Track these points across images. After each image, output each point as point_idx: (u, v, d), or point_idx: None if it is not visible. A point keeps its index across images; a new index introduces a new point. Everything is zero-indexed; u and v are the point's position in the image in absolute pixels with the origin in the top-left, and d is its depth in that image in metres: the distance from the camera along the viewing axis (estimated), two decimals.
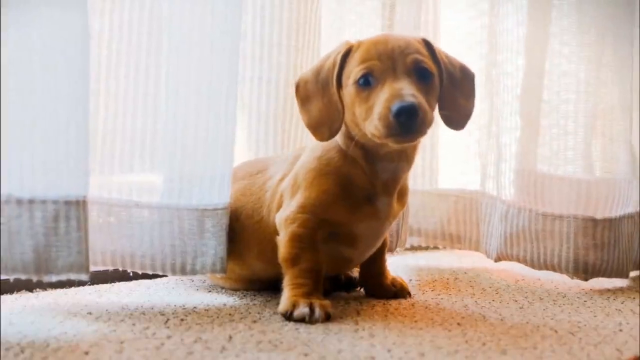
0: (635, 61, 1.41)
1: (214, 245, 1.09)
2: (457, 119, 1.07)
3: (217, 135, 1.09)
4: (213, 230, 1.09)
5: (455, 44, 1.55)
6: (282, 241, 1.04)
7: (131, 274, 1.20)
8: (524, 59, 1.39)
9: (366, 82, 0.99)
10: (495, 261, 1.42)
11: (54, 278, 0.94)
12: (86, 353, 0.81)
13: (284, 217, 1.05)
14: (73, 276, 0.95)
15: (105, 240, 1.08)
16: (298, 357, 0.81)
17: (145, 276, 1.22)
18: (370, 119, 0.97)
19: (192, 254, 1.09)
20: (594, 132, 1.39)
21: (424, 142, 1.51)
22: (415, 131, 0.95)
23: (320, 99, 1.04)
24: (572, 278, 1.34)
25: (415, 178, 1.54)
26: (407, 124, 0.93)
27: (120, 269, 1.10)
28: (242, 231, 1.13)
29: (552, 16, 1.38)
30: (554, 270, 1.35)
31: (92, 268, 1.13)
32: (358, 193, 1.05)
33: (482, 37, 1.52)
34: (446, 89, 1.04)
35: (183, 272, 1.09)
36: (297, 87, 1.07)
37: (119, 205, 1.08)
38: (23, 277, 0.93)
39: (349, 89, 1.01)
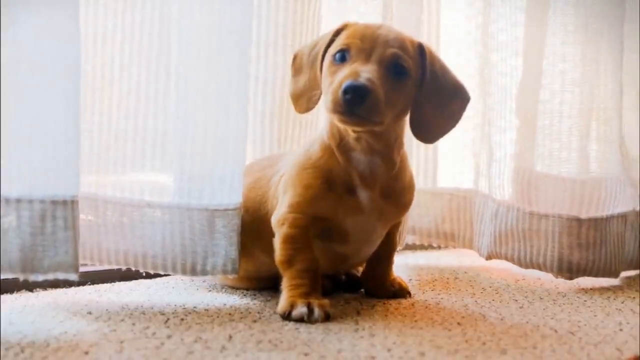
0: (627, 60, 1.41)
1: (224, 246, 1.09)
2: (425, 131, 1.06)
3: (228, 134, 1.09)
4: (224, 231, 1.09)
5: (455, 43, 1.55)
6: (277, 243, 1.05)
7: (143, 273, 1.18)
8: (522, 59, 1.39)
9: (342, 58, 1.00)
10: (487, 259, 1.42)
11: (40, 277, 0.94)
12: (86, 353, 0.81)
13: (277, 219, 1.06)
14: (61, 275, 0.94)
15: (119, 239, 1.08)
16: (298, 357, 0.81)
17: (146, 276, 1.21)
18: (326, 92, 0.99)
19: (203, 255, 1.09)
20: (588, 132, 1.39)
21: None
22: (359, 114, 0.94)
23: (307, 72, 1.06)
24: (557, 277, 1.34)
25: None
26: (352, 102, 0.93)
27: (133, 268, 1.10)
28: (250, 224, 1.13)
29: (549, 15, 1.38)
30: (539, 269, 1.35)
31: (105, 267, 1.14)
32: (338, 185, 1.04)
33: (477, 36, 1.52)
34: (425, 97, 1.03)
35: (193, 272, 1.09)
36: (294, 58, 1.10)
37: (131, 205, 1.08)
38: (9, 276, 0.93)
39: (325, 62, 1.03)
